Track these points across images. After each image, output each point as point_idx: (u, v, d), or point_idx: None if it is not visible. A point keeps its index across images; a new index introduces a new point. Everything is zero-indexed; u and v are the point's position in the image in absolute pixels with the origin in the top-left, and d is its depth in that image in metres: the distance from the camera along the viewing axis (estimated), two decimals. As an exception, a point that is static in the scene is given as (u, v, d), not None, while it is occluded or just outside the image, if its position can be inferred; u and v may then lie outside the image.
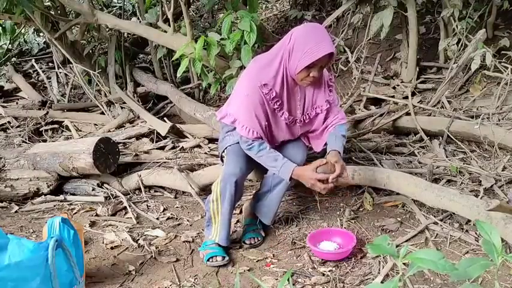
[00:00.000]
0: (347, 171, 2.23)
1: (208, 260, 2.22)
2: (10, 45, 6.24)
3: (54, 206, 2.95)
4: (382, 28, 3.47)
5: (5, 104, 4.85)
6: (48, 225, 1.92)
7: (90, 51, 4.92)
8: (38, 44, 6.42)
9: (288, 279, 1.32)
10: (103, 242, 2.47)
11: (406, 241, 2.26)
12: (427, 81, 3.85)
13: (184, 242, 2.45)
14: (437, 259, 1.12)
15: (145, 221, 2.71)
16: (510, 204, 2.07)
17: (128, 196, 2.98)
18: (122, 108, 4.33)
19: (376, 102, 3.73)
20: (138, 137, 3.65)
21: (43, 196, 3.00)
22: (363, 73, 4.01)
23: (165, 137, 3.54)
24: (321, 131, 2.34)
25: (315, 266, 2.17)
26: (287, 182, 2.28)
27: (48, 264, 1.68)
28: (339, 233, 2.35)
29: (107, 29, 4.77)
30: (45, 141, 3.94)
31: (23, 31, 6.12)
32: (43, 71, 5.51)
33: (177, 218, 2.74)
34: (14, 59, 6.14)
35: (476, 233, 2.24)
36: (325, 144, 2.33)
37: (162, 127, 3.54)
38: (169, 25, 3.85)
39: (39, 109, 4.51)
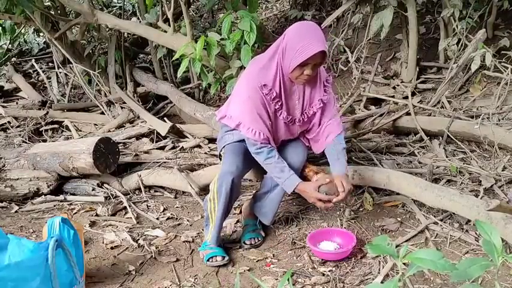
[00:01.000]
0: (350, 196, 2.22)
1: (208, 260, 2.22)
2: (10, 45, 6.25)
3: (54, 206, 2.96)
4: (382, 28, 3.47)
5: (5, 104, 4.85)
6: (48, 225, 1.92)
7: (90, 51, 4.92)
8: (38, 44, 6.42)
9: (288, 279, 1.32)
10: (103, 242, 2.47)
11: (406, 241, 2.26)
12: (427, 81, 3.85)
13: (184, 242, 2.45)
14: (437, 259, 1.12)
15: (145, 221, 2.71)
16: (510, 204, 2.07)
17: (128, 196, 2.98)
18: (122, 108, 4.33)
19: (376, 102, 3.73)
20: (138, 137, 3.65)
21: (43, 196, 3.00)
22: (363, 73, 4.01)
23: (165, 137, 3.54)
24: (317, 131, 2.34)
25: (315, 266, 2.17)
26: (289, 193, 2.28)
27: (48, 264, 1.68)
28: (339, 233, 2.35)
29: (107, 29, 4.77)
30: (45, 141, 3.94)
31: (23, 31, 6.12)
32: (43, 71, 5.51)
33: (177, 218, 2.74)
34: (14, 59, 6.15)
35: (476, 233, 2.24)
36: (325, 146, 2.32)
37: (162, 127, 3.54)
38: (169, 25, 3.85)
39: (39, 109, 4.52)
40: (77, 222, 2.17)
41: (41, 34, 5.86)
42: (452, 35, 3.56)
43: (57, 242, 1.74)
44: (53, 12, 4.53)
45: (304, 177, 2.30)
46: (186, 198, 2.96)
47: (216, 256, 2.22)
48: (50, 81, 5.28)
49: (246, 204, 2.54)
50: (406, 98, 3.57)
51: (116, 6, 6.10)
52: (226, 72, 3.48)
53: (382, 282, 1.95)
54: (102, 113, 4.38)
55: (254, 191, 2.58)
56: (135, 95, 4.44)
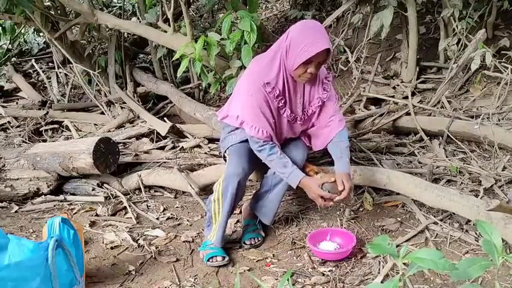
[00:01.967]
0: (351, 195, 2.22)
1: (208, 260, 2.22)
2: (10, 45, 6.25)
3: (54, 206, 2.95)
4: (382, 28, 3.47)
5: (5, 104, 4.85)
6: (48, 225, 1.92)
7: (90, 51, 4.92)
8: (38, 44, 6.42)
9: (288, 279, 1.32)
10: (103, 242, 2.47)
11: (406, 241, 2.26)
12: (427, 81, 3.85)
13: (184, 242, 2.45)
14: (437, 259, 1.12)
15: (145, 221, 2.71)
16: (510, 204, 2.07)
17: (128, 196, 2.98)
18: (121, 108, 4.33)
19: (376, 102, 3.73)
20: (138, 137, 3.65)
21: (43, 196, 3.00)
22: (363, 73, 4.01)
23: (165, 137, 3.54)
24: (318, 128, 2.34)
25: (315, 266, 2.17)
26: (287, 183, 2.28)
27: (48, 264, 1.68)
28: (338, 233, 2.35)
29: (107, 29, 4.77)
30: (45, 141, 3.94)
31: (23, 31, 6.12)
32: (43, 71, 5.51)
33: (177, 218, 2.74)
34: (14, 59, 6.14)
35: (476, 233, 2.24)
36: (327, 143, 2.32)
37: (162, 127, 3.54)
38: (169, 25, 3.85)
39: (39, 109, 4.52)
40: (77, 222, 2.17)
41: (41, 34, 5.86)
42: (452, 35, 3.56)
43: (57, 242, 1.74)
44: (53, 12, 4.53)
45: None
46: (186, 198, 2.96)
47: (216, 256, 2.22)
48: (50, 81, 5.28)
49: (246, 204, 2.53)
50: (406, 98, 3.57)
51: (115, 6, 6.10)
52: (226, 72, 3.48)
53: (382, 282, 1.95)
54: (102, 113, 4.37)
55: (254, 191, 2.57)
56: (135, 95, 4.44)
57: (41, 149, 3.15)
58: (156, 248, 2.38)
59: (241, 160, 2.24)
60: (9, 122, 4.37)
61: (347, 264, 2.17)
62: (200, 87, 4.43)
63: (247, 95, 2.18)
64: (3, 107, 4.65)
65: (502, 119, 3.11)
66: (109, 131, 3.92)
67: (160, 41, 4.09)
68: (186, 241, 2.45)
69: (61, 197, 3.01)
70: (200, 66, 3.43)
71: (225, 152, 2.41)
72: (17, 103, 4.90)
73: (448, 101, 3.45)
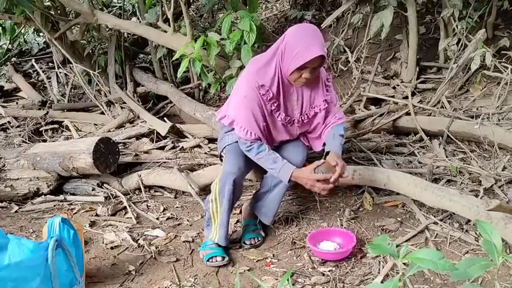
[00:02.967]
0: (347, 171, 2.22)
1: (208, 260, 2.22)
2: (10, 45, 6.25)
3: (54, 206, 2.95)
4: (382, 28, 3.47)
5: (5, 104, 4.85)
6: (48, 225, 1.92)
7: (90, 51, 4.92)
8: (38, 44, 6.42)
9: (288, 279, 1.32)
10: (103, 242, 2.47)
11: (406, 241, 2.26)
12: (427, 81, 3.84)
13: (184, 242, 2.45)
14: (437, 259, 1.11)
15: (145, 221, 2.71)
16: (510, 204, 2.07)
17: (128, 196, 2.98)
18: (121, 108, 4.33)
19: (376, 102, 3.73)
20: (138, 137, 3.65)
21: (43, 196, 3.00)
22: (363, 73, 4.01)
23: (165, 137, 3.54)
24: (321, 130, 2.35)
25: (315, 266, 2.17)
26: (285, 182, 2.28)
27: (48, 264, 1.68)
28: (338, 233, 2.35)
29: (107, 29, 4.77)
30: (45, 141, 3.94)
31: (23, 31, 6.12)
32: (43, 71, 5.51)
33: (177, 218, 2.74)
34: (14, 59, 6.14)
35: (476, 233, 2.24)
36: (324, 144, 2.33)
37: (162, 127, 3.54)
38: (169, 25, 3.85)
39: (39, 109, 4.51)
40: (76, 222, 2.17)
41: (41, 34, 5.86)
42: (452, 35, 3.56)
43: (57, 242, 1.74)
44: (53, 12, 4.53)
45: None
46: (186, 198, 2.96)
47: (216, 256, 2.22)
48: (50, 81, 5.28)
49: (246, 204, 2.54)
50: (406, 98, 3.57)
51: (115, 6, 6.10)
52: (226, 72, 3.48)
53: (382, 282, 1.95)
54: (102, 113, 4.37)
55: (254, 191, 2.58)
56: (135, 95, 4.44)
57: (41, 149, 3.15)
58: (156, 248, 2.38)
59: (237, 159, 2.25)
60: (9, 122, 4.37)
61: (347, 264, 2.17)
62: (200, 87, 4.43)
63: (241, 96, 2.19)
64: (3, 107, 4.65)
65: (502, 119, 3.11)
66: (109, 131, 3.92)
67: (160, 41, 4.09)
68: (186, 241, 2.45)
69: (61, 197, 3.01)
70: (200, 66, 3.43)
71: (222, 151, 2.42)
72: (17, 103, 4.90)
73: (448, 101, 3.45)
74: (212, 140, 3.44)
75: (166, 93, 4.33)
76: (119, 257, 2.34)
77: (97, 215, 2.80)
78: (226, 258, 2.22)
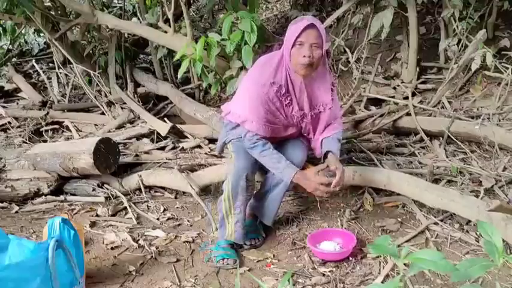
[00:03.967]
0: (345, 176, 2.22)
1: (218, 262, 2.22)
2: (10, 46, 6.25)
3: (55, 206, 2.95)
4: (382, 28, 3.47)
5: (5, 105, 4.84)
6: (49, 226, 1.92)
7: (91, 51, 4.92)
8: (39, 44, 6.42)
9: (288, 280, 1.32)
10: (103, 243, 2.47)
11: (407, 241, 2.26)
12: (428, 82, 3.84)
13: (184, 242, 2.45)
14: (438, 259, 1.11)
15: (146, 222, 2.71)
16: (511, 205, 2.07)
17: (128, 196, 2.98)
18: (122, 108, 4.33)
19: (377, 102, 3.73)
20: (139, 137, 3.65)
21: (43, 196, 3.00)
22: (363, 73, 4.01)
23: (165, 138, 3.53)
24: (320, 132, 2.34)
25: (315, 267, 2.17)
26: (287, 183, 2.28)
27: (49, 264, 1.68)
28: (339, 233, 2.35)
29: (107, 30, 4.77)
30: (45, 141, 3.94)
31: (23, 31, 6.12)
32: (43, 72, 5.51)
33: (177, 219, 2.73)
34: (14, 60, 6.14)
35: (476, 234, 2.24)
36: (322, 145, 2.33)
37: (163, 127, 3.54)
38: (169, 25, 3.85)
39: (40, 109, 4.51)
40: (77, 223, 2.17)
41: (42, 34, 5.85)
42: (453, 35, 3.56)
43: (57, 243, 1.74)
44: (53, 13, 4.53)
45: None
46: (186, 199, 2.96)
47: (228, 259, 2.22)
48: (50, 82, 5.28)
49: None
50: (406, 98, 3.57)
51: (116, 6, 6.09)
52: (226, 73, 3.48)
53: (382, 282, 1.95)
54: (103, 113, 4.37)
55: (255, 192, 2.57)
56: (135, 95, 4.43)
57: (42, 149, 3.15)
58: (157, 249, 2.38)
59: (248, 155, 2.25)
60: (9, 123, 4.36)
61: (347, 264, 2.17)
62: (200, 88, 4.42)
63: (250, 93, 2.20)
64: (3, 107, 4.64)
65: (503, 119, 3.10)
66: (109, 131, 3.92)
67: (160, 42, 4.09)
68: (187, 241, 2.45)
69: (61, 197, 3.01)
70: (201, 67, 3.43)
71: (225, 146, 2.42)
72: (17, 103, 4.90)
73: (448, 101, 3.45)
74: (212, 141, 3.44)
75: (167, 93, 4.33)
76: (119, 258, 2.34)
77: (97, 215, 2.80)
78: (237, 263, 2.22)
